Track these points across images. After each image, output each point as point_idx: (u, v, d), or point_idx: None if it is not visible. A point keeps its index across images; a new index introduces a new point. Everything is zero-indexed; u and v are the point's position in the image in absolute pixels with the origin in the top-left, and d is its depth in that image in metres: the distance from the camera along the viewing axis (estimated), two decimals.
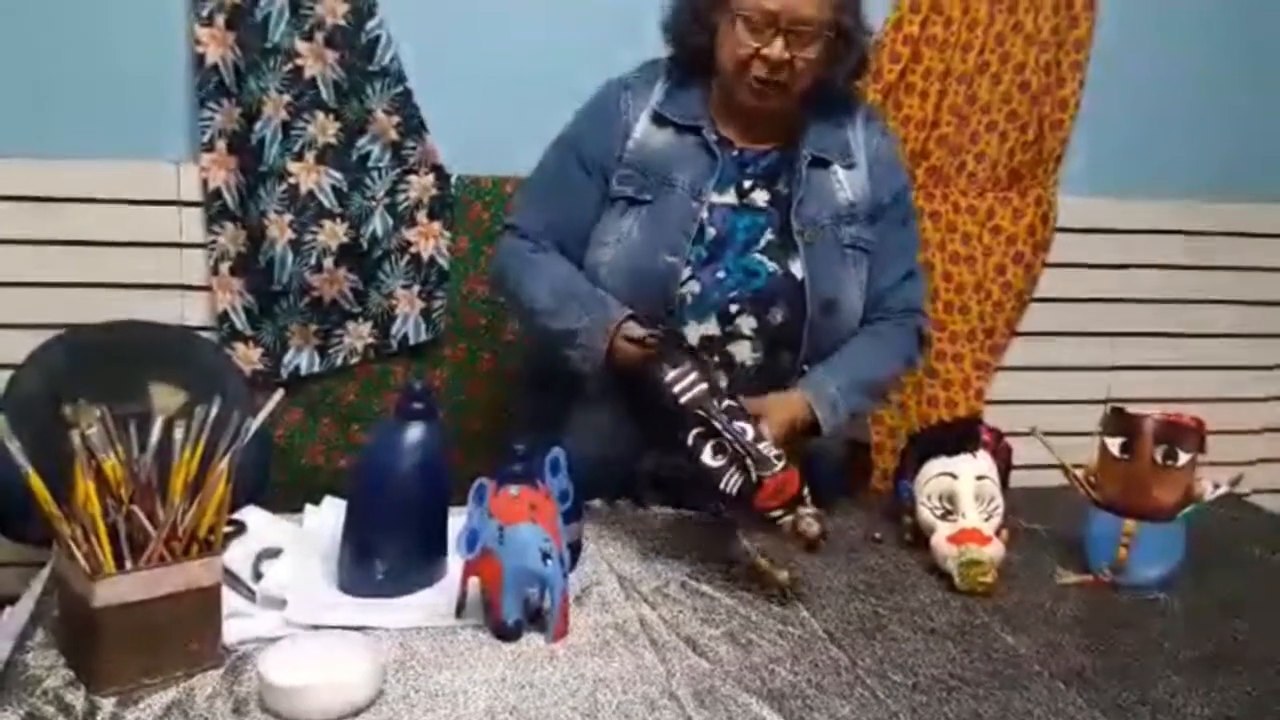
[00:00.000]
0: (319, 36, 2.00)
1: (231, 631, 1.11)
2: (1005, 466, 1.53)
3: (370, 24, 2.03)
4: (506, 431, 1.73)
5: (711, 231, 1.52)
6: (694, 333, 1.50)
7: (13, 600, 1.21)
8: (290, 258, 2.07)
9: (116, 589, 1.01)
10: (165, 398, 1.09)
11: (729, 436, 1.28)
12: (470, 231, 2.17)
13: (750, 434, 1.29)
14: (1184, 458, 1.40)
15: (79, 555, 1.02)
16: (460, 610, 1.20)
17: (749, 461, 1.27)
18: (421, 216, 2.14)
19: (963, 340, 2.41)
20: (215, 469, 1.08)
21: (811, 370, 1.54)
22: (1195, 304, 2.57)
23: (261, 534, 1.29)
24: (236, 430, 1.10)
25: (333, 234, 2.09)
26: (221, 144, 2.00)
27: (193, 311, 2.10)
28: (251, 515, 1.32)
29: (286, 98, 2.01)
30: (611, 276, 1.53)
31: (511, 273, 1.60)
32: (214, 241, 2.05)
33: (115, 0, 1.96)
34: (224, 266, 2.06)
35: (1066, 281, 2.48)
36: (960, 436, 1.49)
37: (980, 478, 1.43)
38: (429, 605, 1.22)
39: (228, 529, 1.18)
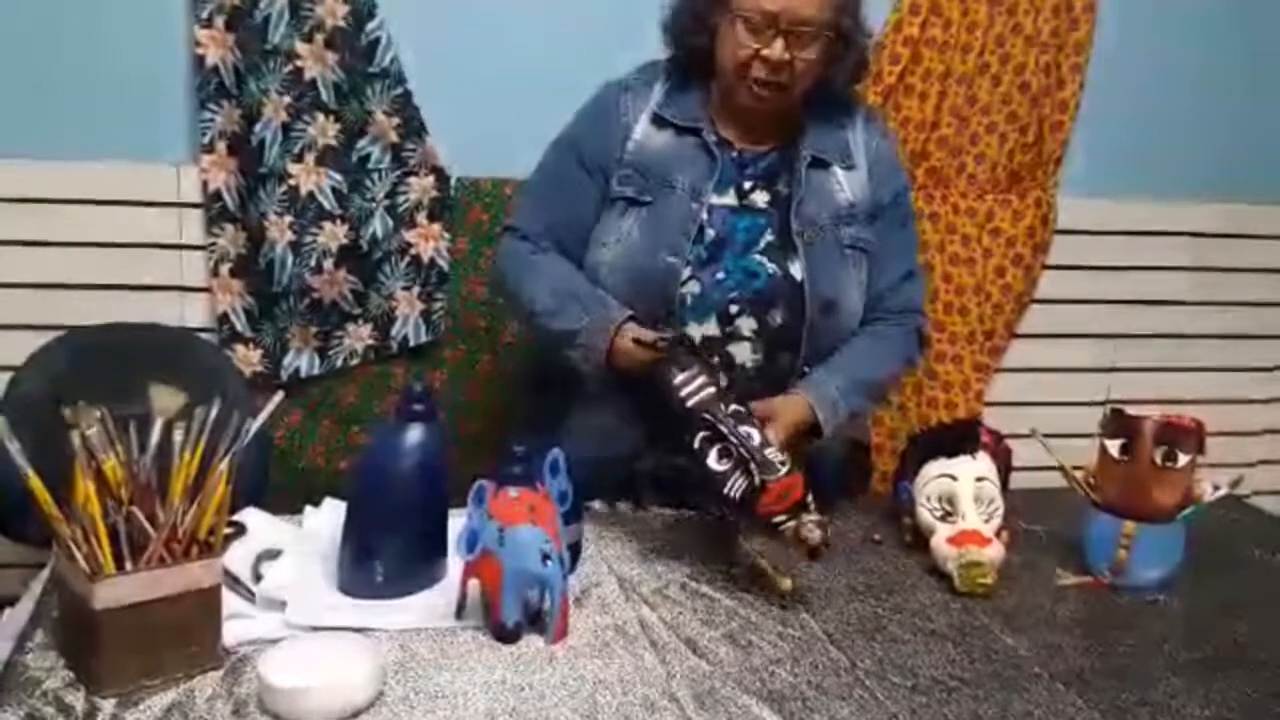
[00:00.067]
0: (319, 38, 2.00)
1: (231, 633, 1.11)
2: (1005, 468, 1.54)
3: (370, 25, 2.03)
4: (506, 433, 1.74)
5: (711, 232, 1.52)
6: (694, 334, 1.50)
7: (13, 601, 1.21)
8: (290, 259, 2.07)
9: (116, 590, 1.01)
10: (165, 399, 1.09)
11: (734, 440, 1.28)
12: (470, 233, 2.17)
13: (756, 439, 1.30)
14: (1183, 459, 1.40)
15: (79, 556, 1.02)
16: (460, 612, 1.20)
17: (753, 466, 1.27)
18: (421, 218, 2.14)
19: (962, 342, 2.41)
20: (215, 470, 1.09)
21: (811, 371, 1.54)
22: (1195, 305, 2.58)
23: (261, 535, 1.29)
24: (236, 432, 1.10)
25: (333, 235, 2.09)
26: (221, 145, 2.00)
27: (193, 313, 2.10)
28: (251, 516, 1.32)
29: (286, 99, 2.01)
30: (611, 277, 1.53)
31: (511, 274, 1.60)
32: (214, 243, 2.05)
33: (115, 2, 1.96)
34: (224, 268, 2.06)
35: (1066, 283, 2.48)
36: (960, 438, 1.49)
37: (980, 479, 1.43)
38: (429, 607, 1.22)
39: (228, 530, 1.18)
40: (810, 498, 1.28)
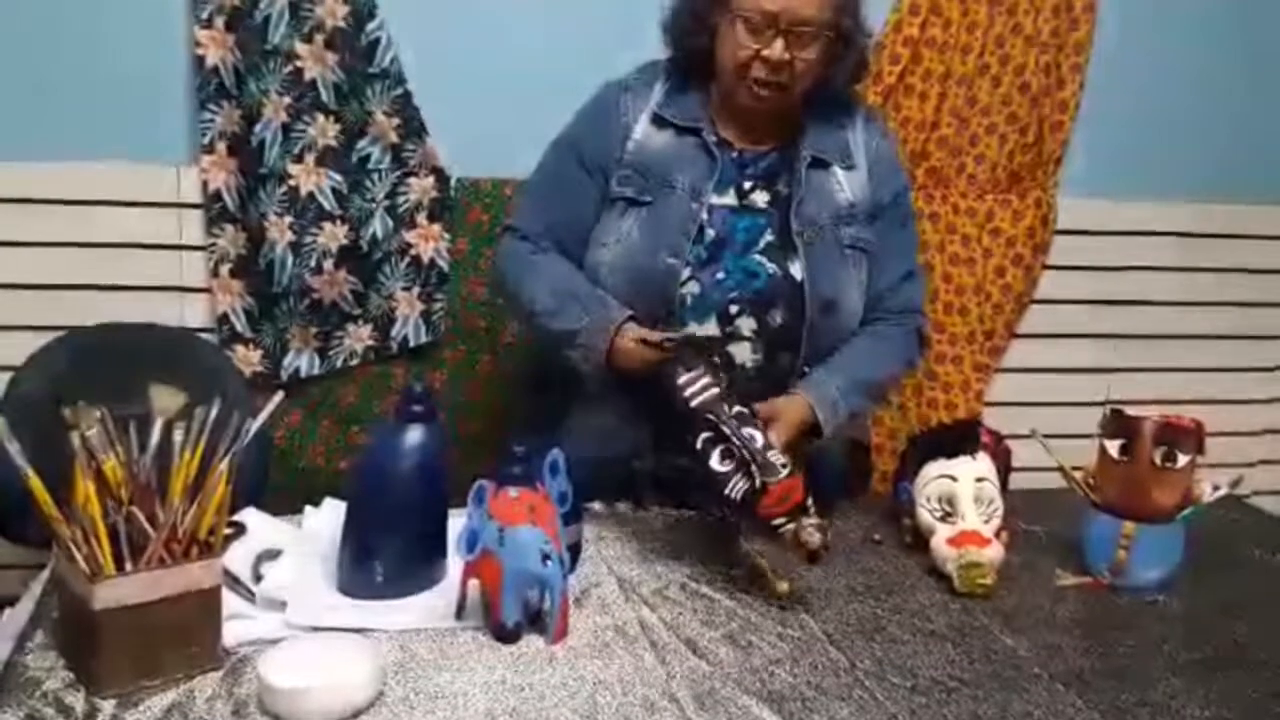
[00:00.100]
0: (319, 38, 2.01)
1: (231, 633, 1.11)
2: (1005, 468, 1.54)
3: (370, 26, 2.03)
4: (506, 433, 1.73)
5: (711, 232, 1.52)
6: (694, 334, 1.50)
7: (12, 602, 1.21)
8: (290, 260, 2.07)
9: (116, 591, 1.01)
10: (165, 399, 1.09)
11: (737, 442, 1.29)
12: (470, 234, 2.17)
13: (759, 441, 1.30)
14: (1183, 459, 1.40)
15: (79, 557, 1.02)
16: (460, 612, 1.20)
17: (754, 468, 1.27)
18: (421, 219, 2.14)
19: (962, 342, 2.41)
20: (215, 470, 1.09)
21: (811, 371, 1.54)
22: (1195, 305, 2.58)
23: (261, 535, 1.29)
24: (236, 432, 1.10)
25: (333, 236, 2.09)
26: (221, 146, 2.00)
27: (193, 313, 2.10)
28: (251, 517, 1.32)
29: (286, 100, 2.01)
30: (611, 277, 1.53)
31: (511, 274, 1.60)
32: (214, 244, 2.05)
33: (115, 2, 1.96)
34: (224, 268, 2.06)
35: (1066, 283, 2.48)
36: (960, 438, 1.48)
37: (980, 480, 1.43)
38: (429, 607, 1.22)
39: (227, 530, 1.18)
40: (811, 501, 1.28)
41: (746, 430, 1.30)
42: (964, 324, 2.40)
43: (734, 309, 1.51)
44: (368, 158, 2.09)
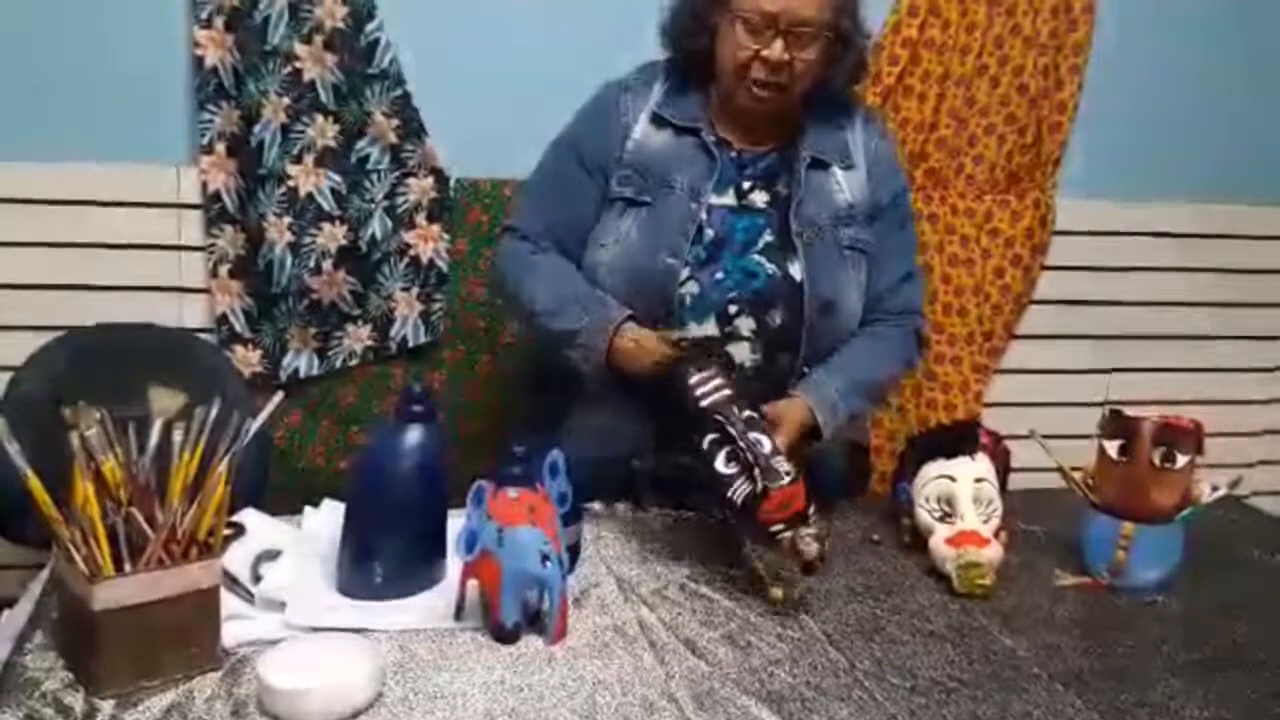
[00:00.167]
0: (318, 39, 2.01)
1: (231, 634, 1.11)
2: (1004, 469, 1.53)
3: (369, 27, 2.03)
4: (506, 433, 1.74)
5: (710, 233, 1.52)
6: (693, 334, 1.50)
7: (12, 602, 1.21)
8: (289, 260, 2.07)
9: (115, 591, 1.01)
10: (165, 400, 1.09)
11: (743, 445, 1.28)
12: (469, 234, 2.17)
13: (767, 446, 1.29)
14: (1182, 460, 1.40)
15: (78, 558, 1.02)
16: (459, 612, 1.20)
17: (757, 472, 1.27)
18: (420, 219, 2.14)
19: (961, 343, 2.41)
20: (214, 471, 1.09)
21: (811, 372, 1.54)
22: (1194, 306, 2.58)
23: (261, 536, 1.29)
24: (236, 432, 1.10)
25: (332, 236, 2.09)
26: (221, 147, 2.00)
27: (192, 314, 2.10)
28: (250, 517, 1.32)
29: (286, 100, 2.01)
30: (610, 277, 1.53)
31: (511, 274, 1.60)
32: (213, 244, 2.05)
33: (114, 3, 1.96)
34: (223, 269, 2.06)
35: (1065, 284, 2.48)
36: (959, 439, 1.49)
37: (979, 480, 1.43)
38: (428, 607, 1.22)
39: (227, 531, 1.18)
40: (812, 510, 1.27)
41: (754, 435, 1.30)
42: (963, 325, 2.41)
43: (733, 309, 1.51)
44: (367, 158, 2.09)
